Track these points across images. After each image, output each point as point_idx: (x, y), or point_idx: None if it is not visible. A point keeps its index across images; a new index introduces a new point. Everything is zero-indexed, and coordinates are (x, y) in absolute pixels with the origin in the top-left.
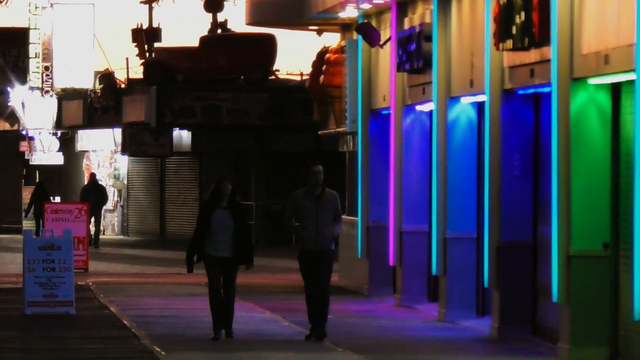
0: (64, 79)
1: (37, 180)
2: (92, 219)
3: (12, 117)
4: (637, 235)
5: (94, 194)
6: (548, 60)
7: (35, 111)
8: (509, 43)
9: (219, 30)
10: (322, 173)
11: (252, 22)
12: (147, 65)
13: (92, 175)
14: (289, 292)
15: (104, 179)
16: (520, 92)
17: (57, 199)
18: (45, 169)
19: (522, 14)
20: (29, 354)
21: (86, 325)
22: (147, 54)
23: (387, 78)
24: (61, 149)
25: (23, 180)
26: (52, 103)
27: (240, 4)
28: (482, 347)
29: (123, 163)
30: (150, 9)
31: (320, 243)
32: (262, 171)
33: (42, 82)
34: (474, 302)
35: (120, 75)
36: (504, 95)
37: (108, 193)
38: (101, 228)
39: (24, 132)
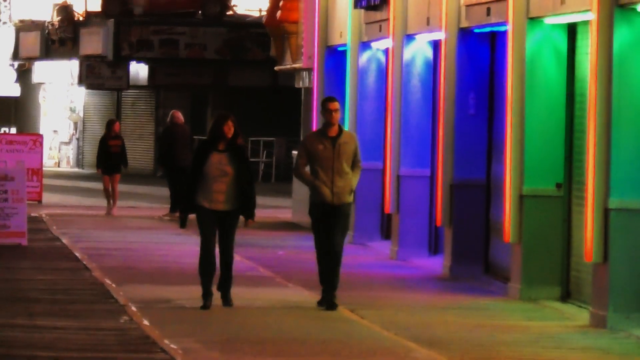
0: (21, 10)
1: None
2: None
3: None
4: (591, 176)
5: None
6: None
7: None
8: None
9: None
10: (339, 111)
11: None
12: None
13: None
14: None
15: (60, 112)
16: (477, 30)
17: (13, 130)
18: (1, 100)
19: None
20: None
21: (38, 256)
22: None
23: (344, 14)
24: (18, 80)
25: None
26: (9, 34)
27: None
28: (433, 285)
29: (79, 96)
30: None
31: (337, 195)
32: (220, 106)
33: (0, 13)
34: (427, 240)
35: (79, 8)
36: (460, 34)
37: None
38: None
39: None
